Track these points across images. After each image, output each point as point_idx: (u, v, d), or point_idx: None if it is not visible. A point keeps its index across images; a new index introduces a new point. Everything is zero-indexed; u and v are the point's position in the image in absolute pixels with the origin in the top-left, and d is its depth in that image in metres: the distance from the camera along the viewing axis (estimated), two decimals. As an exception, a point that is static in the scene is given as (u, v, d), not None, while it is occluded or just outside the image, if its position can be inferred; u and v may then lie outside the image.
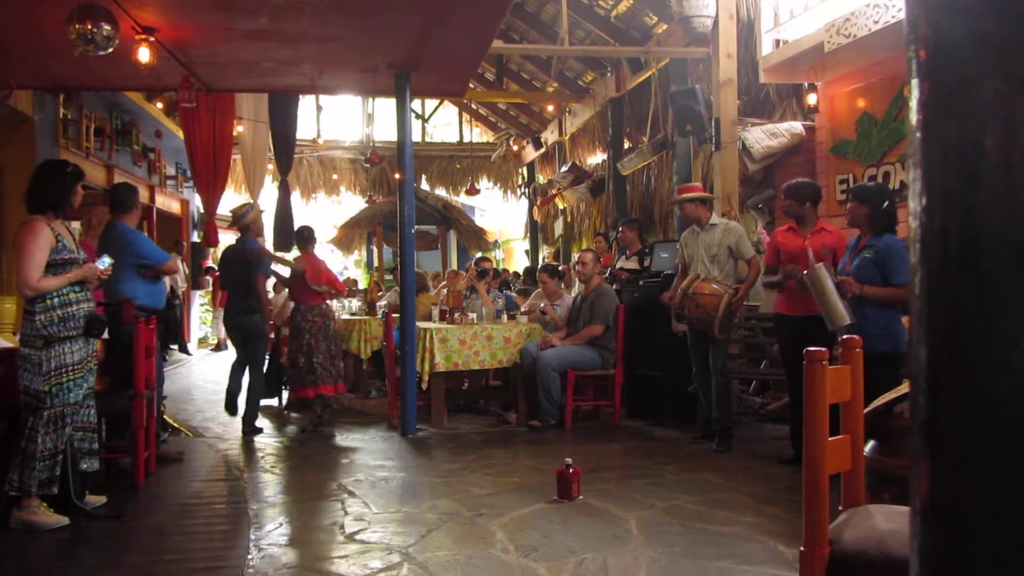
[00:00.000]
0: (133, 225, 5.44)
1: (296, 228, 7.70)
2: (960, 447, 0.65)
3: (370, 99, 15.92)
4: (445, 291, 9.03)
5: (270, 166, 11.51)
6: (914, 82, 0.69)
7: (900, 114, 6.83)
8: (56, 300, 3.99)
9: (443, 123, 17.87)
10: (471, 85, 9.77)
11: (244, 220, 6.83)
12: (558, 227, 14.70)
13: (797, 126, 8.00)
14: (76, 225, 6.74)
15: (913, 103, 0.69)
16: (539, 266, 9.25)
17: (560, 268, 8.63)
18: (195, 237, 14.54)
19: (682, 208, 6.01)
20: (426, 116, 17.18)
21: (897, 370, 4.29)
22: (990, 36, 0.63)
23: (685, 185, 6.12)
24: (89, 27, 5.02)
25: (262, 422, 6.86)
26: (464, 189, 16.27)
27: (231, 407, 6.75)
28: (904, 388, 2.97)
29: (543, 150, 15.17)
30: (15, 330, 6.41)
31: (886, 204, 4.50)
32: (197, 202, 13.50)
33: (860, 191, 4.73)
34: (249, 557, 3.54)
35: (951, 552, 0.65)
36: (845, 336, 2.26)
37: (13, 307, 7.16)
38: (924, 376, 0.68)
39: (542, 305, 7.41)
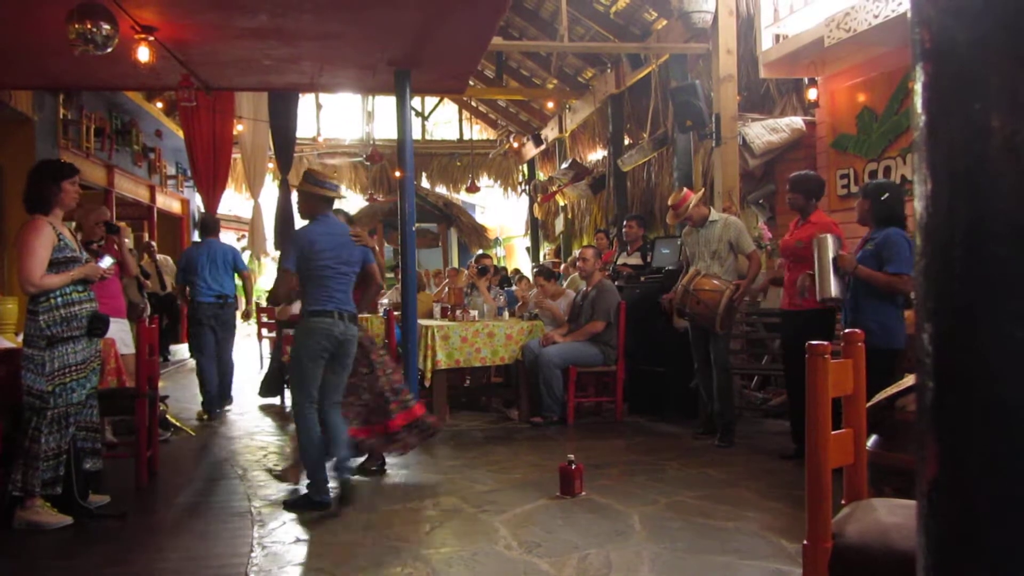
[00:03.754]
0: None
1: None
2: (967, 429, 0.65)
3: (370, 97, 15.91)
4: (447, 289, 9.03)
5: (270, 165, 11.51)
6: (918, 65, 0.69)
7: (901, 108, 6.82)
8: (59, 300, 3.98)
9: (443, 121, 17.85)
10: (471, 82, 9.76)
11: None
12: (559, 224, 14.69)
13: (797, 121, 7.99)
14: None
15: (918, 86, 0.69)
16: (536, 268, 9.22)
17: (557, 269, 8.63)
18: (196, 236, 14.54)
19: (688, 217, 5.90)
20: (426, 114, 17.17)
21: (893, 366, 4.28)
22: (996, 17, 0.63)
23: (678, 196, 5.95)
24: (89, 26, 5.02)
25: (264, 421, 6.86)
26: (464, 186, 16.26)
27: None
28: (906, 382, 2.96)
29: (543, 147, 15.16)
30: (17, 330, 6.41)
31: (885, 196, 4.52)
32: (198, 201, 13.50)
33: (864, 187, 4.86)
34: (252, 555, 3.54)
35: (959, 533, 0.64)
36: (848, 330, 2.26)
37: (15, 307, 7.15)
38: (931, 358, 0.67)
39: (533, 303, 7.42)
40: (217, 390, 7.28)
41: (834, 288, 4.46)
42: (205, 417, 7.11)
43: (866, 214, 4.59)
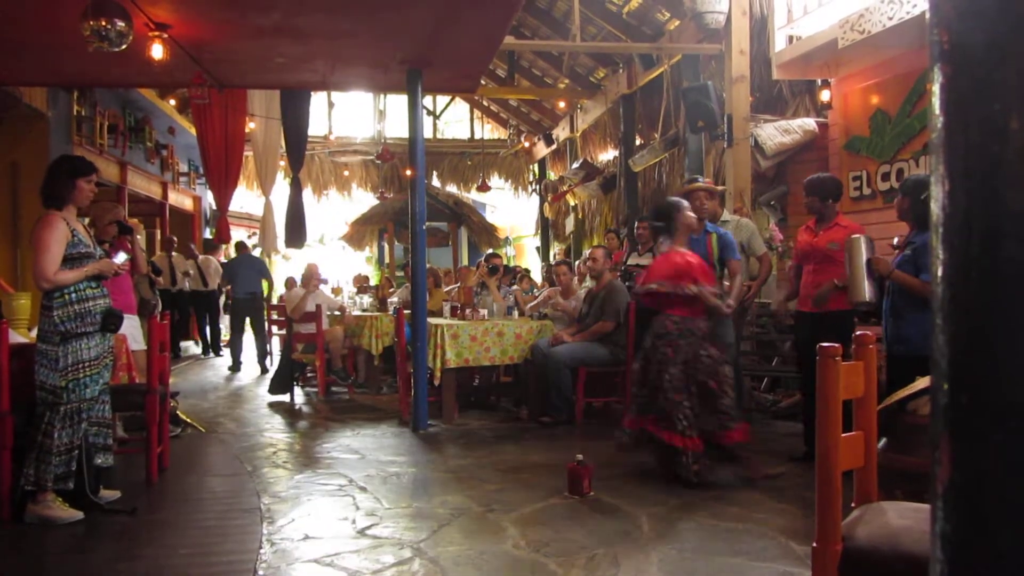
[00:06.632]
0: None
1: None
2: (982, 431, 0.65)
3: (382, 96, 15.94)
4: (457, 287, 9.03)
5: (282, 163, 11.54)
6: (936, 66, 0.69)
7: (914, 111, 6.78)
8: (73, 296, 4.01)
9: (454, 119, 17.87)
10: (483, 81, 9.76)
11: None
12: (569, 224, 14.68)
13: (810, 123, 7.96)
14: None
15: (935, 87, 0.69)
16: (558, 261, 9.18)
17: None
18: (207, 234, 14.61)
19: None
20: (437, 112, 17.19)
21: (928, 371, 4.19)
22: (1015, 18, 0.63)
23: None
24: (103, 24, 5.05)
25: (274, 418, 6.88)
26: (475, 186, 16.27)
27: None
28: (917, 385, 2.95)
29: (554, 147, 15.16)
30: (30, 325, 6.46)
31: (925, 196, 4.40)
32: (209, 198, 13.56)
33: (903, 183, 4.66)
34: (262, 551, 3.56)
35: (973, 536, 0.64)
36: (859, 332, 2.25)
37: (28, 302, 7.21)
38: (946, 360, 0.67)
39: (550, 301, 7.40)
40: (258, 357, 10.60)
41: (868, 291, 4.27)
42: (233, 371, 10.32)
43: (906, 213, 4.40)
